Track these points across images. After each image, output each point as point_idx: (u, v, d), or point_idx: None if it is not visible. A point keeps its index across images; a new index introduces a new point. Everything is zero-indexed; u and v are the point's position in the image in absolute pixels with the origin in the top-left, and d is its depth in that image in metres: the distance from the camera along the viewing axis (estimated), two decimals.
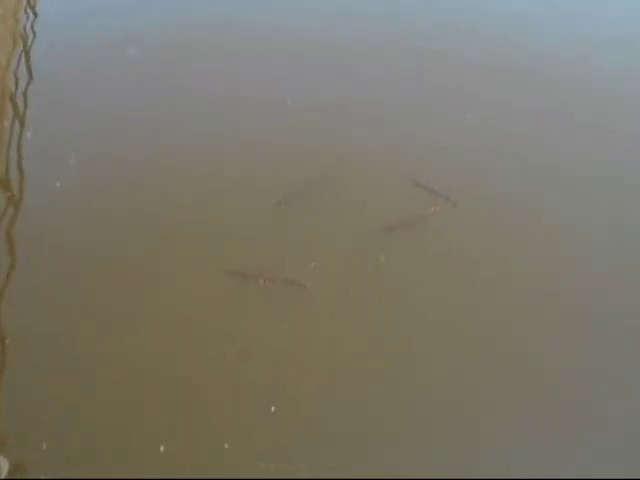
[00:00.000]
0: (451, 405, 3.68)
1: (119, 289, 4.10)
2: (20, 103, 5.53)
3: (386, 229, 4.48)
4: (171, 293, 4.08)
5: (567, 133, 5.43)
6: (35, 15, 6.65)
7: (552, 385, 3.81)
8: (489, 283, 4.28)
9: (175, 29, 6.29)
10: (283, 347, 3.87)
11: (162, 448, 3.42)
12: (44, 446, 3.40)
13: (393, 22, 6.61)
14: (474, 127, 5.40)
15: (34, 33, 6.41)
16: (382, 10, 6.83)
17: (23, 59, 6.02)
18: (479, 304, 4.16)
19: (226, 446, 3.44)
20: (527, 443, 3.56)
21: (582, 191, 4.94)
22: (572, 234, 4.62)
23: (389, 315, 4.07)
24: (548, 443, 3.55)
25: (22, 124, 5.28)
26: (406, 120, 5.41)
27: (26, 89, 5.65)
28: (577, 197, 4.89)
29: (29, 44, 6.23)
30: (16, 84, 5.73)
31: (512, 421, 3.66)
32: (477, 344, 3.97)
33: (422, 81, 5.86)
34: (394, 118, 5.44)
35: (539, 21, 6.88)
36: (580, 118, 5.60)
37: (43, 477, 3.29)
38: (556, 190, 4.92)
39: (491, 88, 5.85)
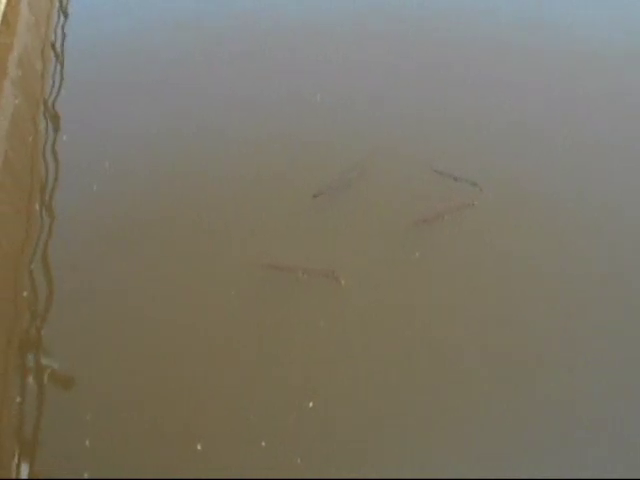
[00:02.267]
0: (495, 406, 3.70)
1: (159, 285, 4.18)
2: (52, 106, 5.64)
3: (419, 222, 4.49)
4: (207, 289, 4.16)
5: (595, 117, 5.42)
6: (66, 17, 6.75)
7: (591, 385, 3.81)
8: (525, 276, 4.27)
9: (202, 33, 6.35)
10: (318, 343, 3.92)
11: (199, 447, 3.50)
12: (87, 443, 3.51)
13: (415, 15, 6.58)
14: (501, 117, 5.40)
15: (64, 34, 6.52)
16: (406, 4, 6.81)
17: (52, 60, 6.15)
18: (517, 298, 4.16)
19: (263, 444, 3.51)
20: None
21: (608, 176, 4.95)
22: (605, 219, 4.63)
23: (425, 311, 4.09)
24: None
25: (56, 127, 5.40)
26: (433, 112, 5.44)
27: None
28: (606, 183, 4.88)
29: (60, 49, 6.35)
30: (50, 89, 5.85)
31: (556, 418, 3.66)
32: (518, 339, 3.96)
33: (450, 72, 5.86)
34: (421, 111, 5.45)
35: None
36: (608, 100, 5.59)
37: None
38: (586, 175, 4.93)
39: (520, 76, 5.83)
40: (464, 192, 4.69)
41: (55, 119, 5.47)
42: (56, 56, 6.20)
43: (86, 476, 3.38)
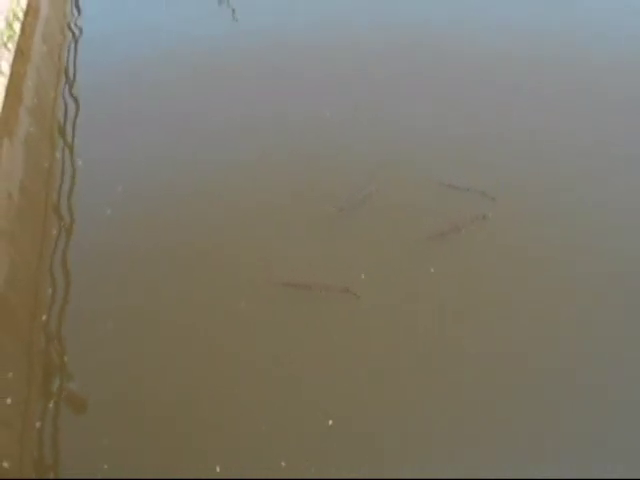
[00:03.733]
0: (498, 409, 3.73)
1: (176, 304, 4.23)
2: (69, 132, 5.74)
3: (434, 236, 4.53)
4: (225, 309, 4.21)
5: (606, 127, 5.47)
6: (77, 47, 6.88)
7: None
8: (540, 286, 4.31)
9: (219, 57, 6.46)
10: (336, 359, 3.95)
11: (218, 469, 3.51)
12: (105, 467, 3.51)
13: (420, 33, 6.67)
14: (510, 129, 5.47)
15: (76, 63, 6.65)
16: (413, 22, 6.91)
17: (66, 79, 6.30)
18: (533, 309, 4.19)
19: (283, 464, 3.51)
20: None
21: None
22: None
23: (441, 324, 4.11)
24: None
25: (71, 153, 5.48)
26: (442, 126, 5.51)
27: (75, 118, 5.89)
28: (621, 192, 4.92)
29: (73, 77, 6.47)
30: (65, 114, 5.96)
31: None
32: (533, 349, 3.99)
33: (458, 87, 5.94)
34: (430, 126, 5.52)
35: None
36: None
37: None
38: (600, 184, 4.98)
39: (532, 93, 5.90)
40: (477, 204, 4.74)
41: (70, 145, 5.56)
42: (69, 84, 6.32)
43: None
